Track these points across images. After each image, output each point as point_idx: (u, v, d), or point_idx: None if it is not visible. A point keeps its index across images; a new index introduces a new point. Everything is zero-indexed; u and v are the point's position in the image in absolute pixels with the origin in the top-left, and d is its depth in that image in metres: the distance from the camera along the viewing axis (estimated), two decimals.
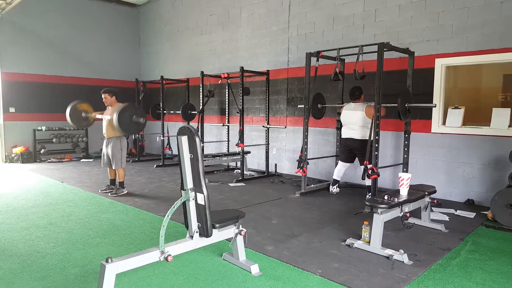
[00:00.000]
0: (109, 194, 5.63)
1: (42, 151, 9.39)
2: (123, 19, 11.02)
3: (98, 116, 5.65)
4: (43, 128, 9.49)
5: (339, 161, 5.82)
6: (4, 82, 9.02)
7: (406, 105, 4.93)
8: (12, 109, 9.18)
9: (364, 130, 5.26)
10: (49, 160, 9.34)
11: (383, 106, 4.95)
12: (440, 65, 5.37)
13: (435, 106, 5.09)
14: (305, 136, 5.56)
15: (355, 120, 5.33)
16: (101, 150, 5.77)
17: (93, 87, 10.32)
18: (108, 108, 5.68)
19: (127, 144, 5.95)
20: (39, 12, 9.42)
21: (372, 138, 4.70)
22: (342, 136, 5.61)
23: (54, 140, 9.59)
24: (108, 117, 5.37)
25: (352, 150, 5.51)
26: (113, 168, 5.59)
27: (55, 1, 9.68)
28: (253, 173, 7.46)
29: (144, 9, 11.09)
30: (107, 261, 2.30)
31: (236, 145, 6.93)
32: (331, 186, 5.79)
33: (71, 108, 5.59)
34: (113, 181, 5.84)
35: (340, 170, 5.76)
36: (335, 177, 5.77)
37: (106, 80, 10.58)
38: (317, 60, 5.40)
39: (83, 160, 9.54)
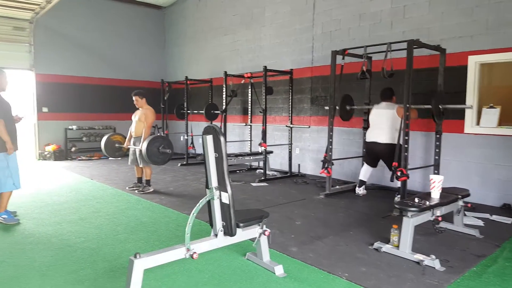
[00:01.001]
0: (136, 191, 5.73)
1: (73, 149, 9.73)
2: (149, 21, 11.24)
3: (130, 147, 5.85)
4: (74, 127, 9.84)
5: (365, 162, 5.69)
6: (38, 83, 9.38)
7: (440, 107, 4.76)
8: (45, 109, 9.55)
9: (392, 133, 5.10)
10: (79, 158, 9.65)
11: (415, 108, 4.80)
12: (473, 62, 5.15)
13: (471, 108, 4.89)
14: (330, 136, 5.47)
15: (384, 120, 5.18)
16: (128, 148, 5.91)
17: (121, 87, 10.59)
18: (138, 110, 5.82)
19: None
20: (70, 15, 9.73)
21: (401, 139, 4.56)
22: (366, 140, 5.48)
23: (84, 138, 9.91)
24: (138, 147, 5.55)
25: (377, 154, 5.38)
26: (140, 166, 5.69)
27: (85, 5, 9.99)
28: (275, 173, 7.41)
29: (169, 11, 11.25)
30: (135, 257, 2.34)
31: (259, 144, 6.90)
32: (357, 188, 5.66)
33: (106, 139, 6.04)
34: (140, 179, 5.96)
35: (367, 171, 5.62)
36: (361, 178, 5.64)
37: (133, 81, 10.82)
38: (343, 58, 5.30)
39: (111, 158, 9.76)
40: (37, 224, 4.14)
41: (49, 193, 5.62)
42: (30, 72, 9.32)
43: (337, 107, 5.57)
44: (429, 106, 4.65)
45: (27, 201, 5.09)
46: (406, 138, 4.52)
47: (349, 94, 5.89)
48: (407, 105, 4.48)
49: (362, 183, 5.64)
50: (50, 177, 7.08)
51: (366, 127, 5.88)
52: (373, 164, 5.55)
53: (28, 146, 9.48)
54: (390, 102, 5.28)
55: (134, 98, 5.73)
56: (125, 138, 6.05)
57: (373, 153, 5.41)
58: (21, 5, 8.14)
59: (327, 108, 5.79)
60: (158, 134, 9.92)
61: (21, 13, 8.62)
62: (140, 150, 5.44)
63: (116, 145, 6.13)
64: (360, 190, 5.62)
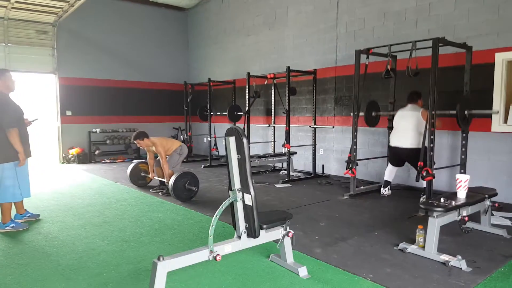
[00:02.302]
0: (159, 193, 5.82)
1: (96, 152, 9.80)
2: (172, 23, 11.34)
3: (156, 178, 5.97)
4: (98, 130, 9.94)
5: (389, 162, 5.60)
6: (62, 86, 9.46)
7: (465, 112, 4.66)
8: (68, 112, 9.64)
9: (415, 136, 5.01)
10: (103, 161, 9.74)
11: (440, 116, 4.71)
12: (501, 60, 5.00)
13: (497, 113, 4.78)
14: (354, 136, 5.41)
15: (408, 123, 5.10)
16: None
17: (144, 90, 10.77)
18: (149, 148, 5.81)
19: (187, 152, 6.14)
20: (93, 18, 9.83)
21: (426, 139, 4.47)
22: (390, 144, 5.41)
23: (107, 142, 10.00)
24: (164, 180, 5.70)
25: (401, 158, 5.34)
26: (170, 169, 5.76)
27: (107, 8, 10.10)
28: (299, 174, 7.38)
29: (192, 12, 11.38)
30: (159, 259, 2.36)
31: (282, 145, 6.90)
32: (382, 188, 5.57)
33: (133, 166, 6.17)
34: (163, 181, 6.03)
35: (392, 171, 5.53)
36: (386, 178, 5.56)
37: (156, 83, 10.98)
38: (367, 58, 5.24)
39: (135, 161, 9.93)
40: (61, 227, 4.19)
41: (73, 196, 5.72)
42: (53, 75, 9.41)
43: (361, 113, 5.50)
44: (454, 112, 4.56)
45: (51, 205, 5.17)
46: (432, 137, 4.43)
47: (374, 98, 5.82)
48: (433, 112, 4.39)
49: (387, 183, 5.55)
50: (74, 180, 7.18)
51: (390, 126, 5.79)
52: (399, 165, 5.49)
53: (51, 150, 9.62)
54: (416, 105, 5.20)
55: (136, 142, 5.66)
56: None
57: (398, 157, 5.37)
58: (44, 9, 8.25)
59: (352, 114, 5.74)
60: (181, 137, 10.05)
61: (44, 16, 8.73)
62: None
63: (142, 173, 6.19)
64: (385, 191, 5.53)
